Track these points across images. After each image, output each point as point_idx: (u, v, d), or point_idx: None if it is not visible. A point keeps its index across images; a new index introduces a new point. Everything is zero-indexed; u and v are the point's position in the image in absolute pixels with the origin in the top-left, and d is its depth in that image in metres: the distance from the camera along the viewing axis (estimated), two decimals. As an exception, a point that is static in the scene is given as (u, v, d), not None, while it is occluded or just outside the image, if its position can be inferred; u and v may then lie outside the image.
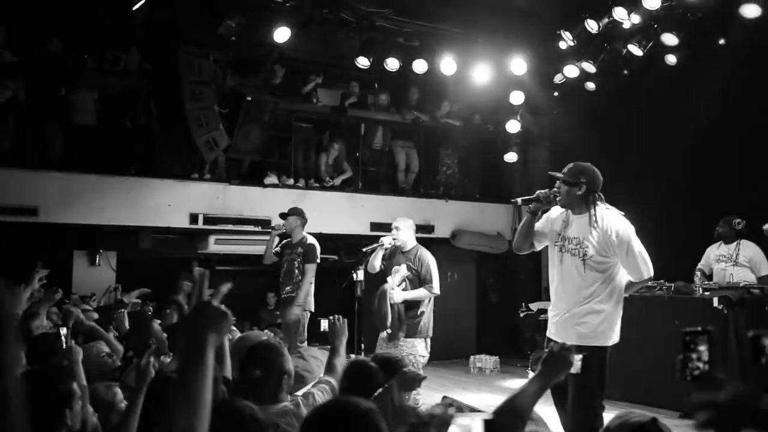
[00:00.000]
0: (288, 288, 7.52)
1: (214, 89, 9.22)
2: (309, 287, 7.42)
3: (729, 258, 7.68)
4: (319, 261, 7.50)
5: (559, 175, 4.51)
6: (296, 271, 7.45)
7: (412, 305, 6.27)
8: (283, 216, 7.69)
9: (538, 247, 4.69)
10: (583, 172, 4.46)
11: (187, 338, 1.68)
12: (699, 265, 7.91)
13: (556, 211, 4.64)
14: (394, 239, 6.41)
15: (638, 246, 4.39)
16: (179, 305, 1.75)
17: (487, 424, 1.34)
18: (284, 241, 7.74)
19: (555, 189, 4.48)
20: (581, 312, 4.39)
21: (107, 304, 8.02)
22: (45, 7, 8.63)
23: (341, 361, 3.68)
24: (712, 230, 7.83)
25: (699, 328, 1.97)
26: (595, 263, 4.36)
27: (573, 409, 4.32)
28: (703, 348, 1.96)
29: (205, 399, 1.58)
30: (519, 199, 4.70)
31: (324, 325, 4.63)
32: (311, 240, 7.56)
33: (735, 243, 7.64)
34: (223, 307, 1.72)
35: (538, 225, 4.61)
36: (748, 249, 7.58)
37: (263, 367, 3.20)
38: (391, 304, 6.12)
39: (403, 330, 6.21)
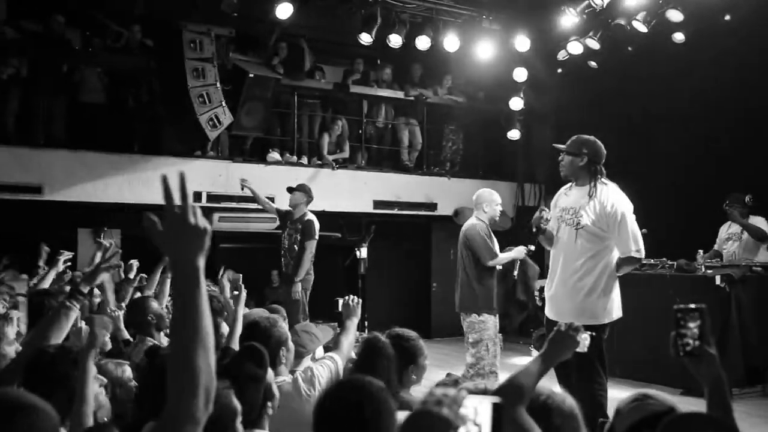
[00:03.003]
0: (291, 263, 7.60)
1: (215, 66, 9.17)
2: (308, 264, 7.49)
3: (736, 236, 7.64)
4: (317, 237, 7.55)
5: (562, 147, 4.60)
6: (295, 246, 7.57)
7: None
8: (290, 190, 7.78)
9: None
10: (585, 144, 4.55)
11: (175, 269, 1.55)
12: (714, 247, 7.84)
13: (561, 190, 4.73)
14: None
15: (632, 222, 4.46)
16: (151, 221, 1.62)
17: (495, 407, 1.37)
18: (286, 211, 7.78)
19: (539, 211, 4.61)
20: (575, 288, 4.44)
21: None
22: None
23: (350, 340, 3.73)
24: (716, 208, 7.78)
25: (690, 306, 1.99)
26: (587, 233, 4.41)
27: (578, 384, 4.40)
28: (693, 324, 1.98)
29: (209, 327, 1.51)
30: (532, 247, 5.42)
31: (340, 303, 4.73)
32: (310, 216, 7.63)
33: (746, 220, 7.53)
34: (200, 219, 1.60)
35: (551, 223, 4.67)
36: (756, 223, 7.49)
37: (260, 340, 3.25)
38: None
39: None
